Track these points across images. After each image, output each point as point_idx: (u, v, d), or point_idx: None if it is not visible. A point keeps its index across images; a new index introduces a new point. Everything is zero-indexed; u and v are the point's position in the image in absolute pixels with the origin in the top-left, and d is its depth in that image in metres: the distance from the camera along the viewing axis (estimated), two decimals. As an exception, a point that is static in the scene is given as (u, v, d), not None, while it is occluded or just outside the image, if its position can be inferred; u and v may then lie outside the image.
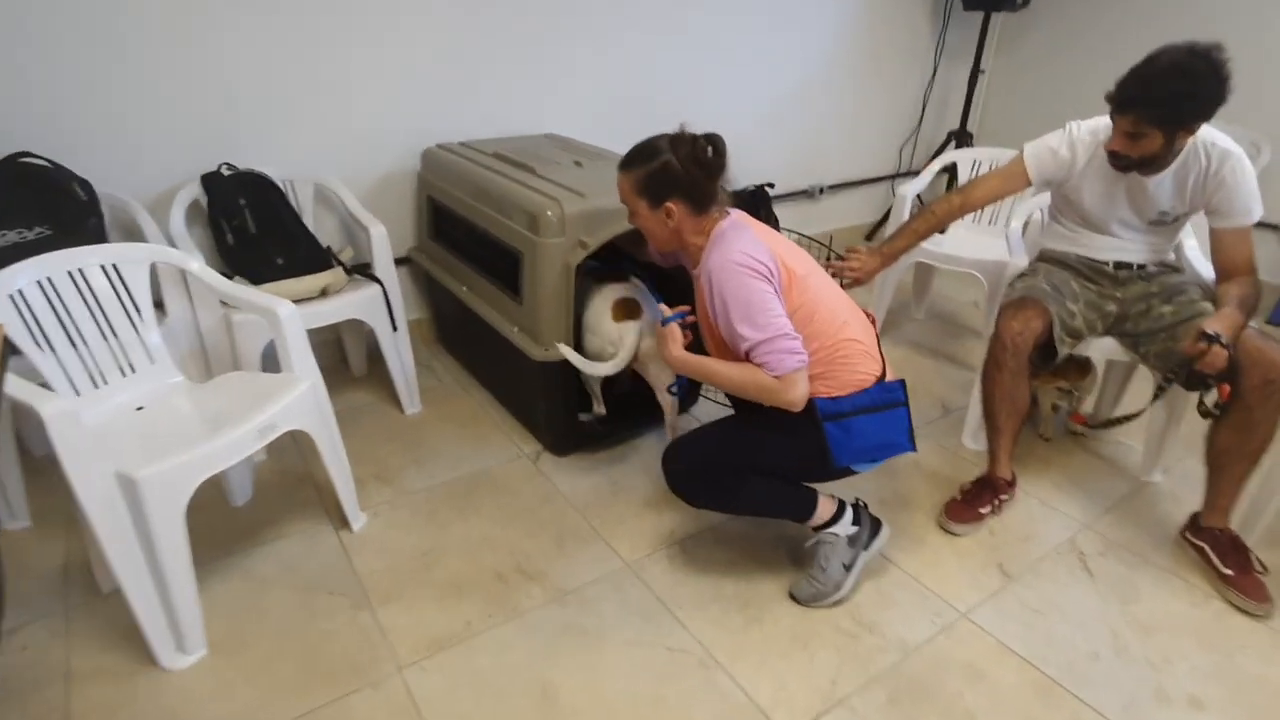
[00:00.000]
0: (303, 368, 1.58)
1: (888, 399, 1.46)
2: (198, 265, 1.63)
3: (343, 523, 1.77)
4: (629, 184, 1.46)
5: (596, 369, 1.83)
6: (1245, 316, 1.63)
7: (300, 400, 1.53)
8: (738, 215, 1.49)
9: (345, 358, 2.45)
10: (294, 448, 2.04)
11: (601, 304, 1.87)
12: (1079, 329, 1.81)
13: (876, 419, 1.44)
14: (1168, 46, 1.57)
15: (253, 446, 1.44)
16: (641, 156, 1.43)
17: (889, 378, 1.50)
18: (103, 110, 1.89)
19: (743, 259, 1.35)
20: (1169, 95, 1.54)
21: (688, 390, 1.77)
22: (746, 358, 1.37)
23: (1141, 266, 1.87)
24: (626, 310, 1.86)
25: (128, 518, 1.28)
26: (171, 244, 1.90)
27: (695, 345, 1.53)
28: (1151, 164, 1.68)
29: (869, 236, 3.90)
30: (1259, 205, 1.68)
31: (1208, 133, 1.66)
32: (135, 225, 1.88)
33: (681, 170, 1.39)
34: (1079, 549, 1.81)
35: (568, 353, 1.81)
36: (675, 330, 1.50)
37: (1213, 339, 1.53)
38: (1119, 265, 1.88)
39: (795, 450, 1.45)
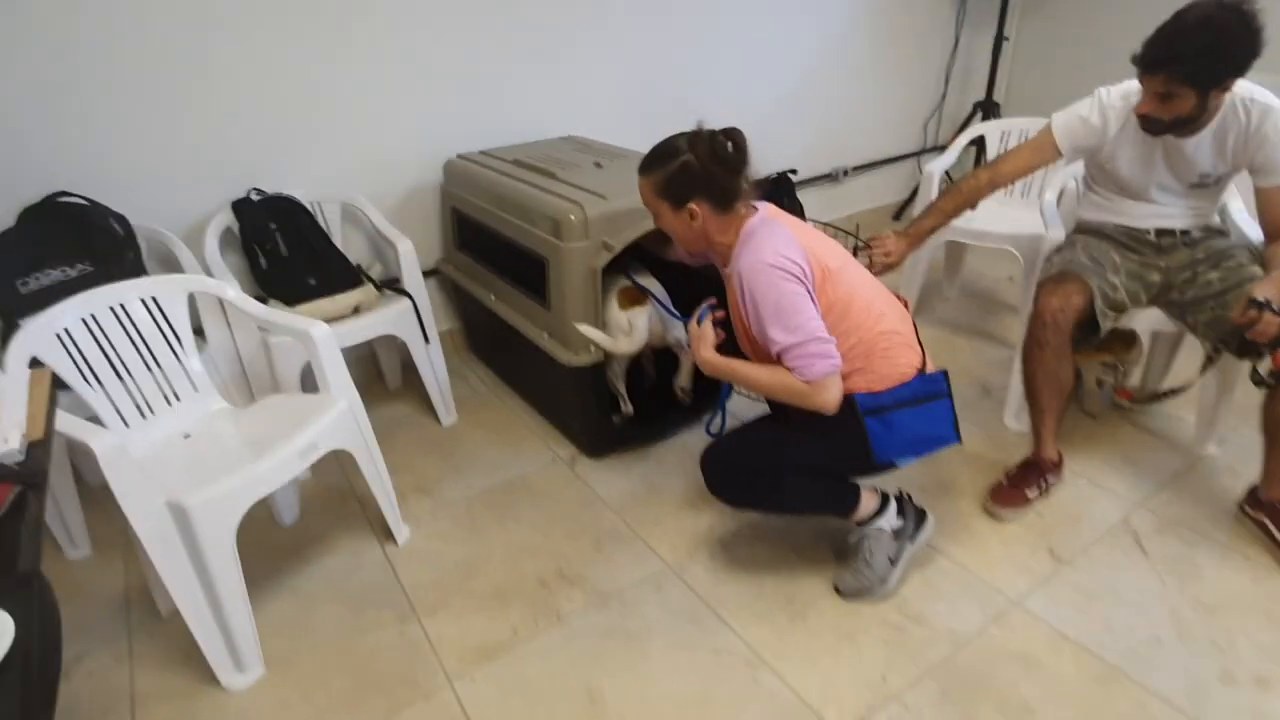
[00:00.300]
0: (339, 387, 1.61)
1: (930, 391, 1.43)
2: (233, 292, 1.66)
3: (387, 536, 1.80)
4: (650, 187, 1.43)
5: (617, 345, 1.84)
6: (1297, 279, 1.56)
7: (339, 420, 1.56)
8: (767, 210, 1.45)
9: (380, 372, 2.49)
10: (336, 465, 2.08)
11: (607, 298, 1.88)
12: (1122, 301, 1.75)
13: (919, 412, 1.41)
14: (1196, 1, 1.50)
15: (296, 468, 1.47)
16: (660, 158, 1.41)
17: (929, 369, 1.46)
18: (134, 146, 1.94)
19: (774, 259, 1.32)
20: (1199, 51, 1.48)
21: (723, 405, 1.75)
22: (778, 360, 1.36)
23: (1185, 232, 1.81)
24: (632, 297, 1.87)
25: (181, 544, 1.32)
26: (208, 271, 1.95)
27: (729, 343, 1.52)
28: (1186, 125, 1.62)
29: (896, 216, 3.83)
30: (1306, 161, 1.61)
31: (1245, 88, 1.59)
32: (172, 256, 1.93)
33: (701, 169, 1.36)
34: (1133, 528, 1.76)
35: (588, 331, 1.81)
36: (708, 330, 1.48)
37: (1263, 306, 1.47)
38: (1161, 232, 1.81)
39: (835, 447, 1.43)
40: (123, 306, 1.54)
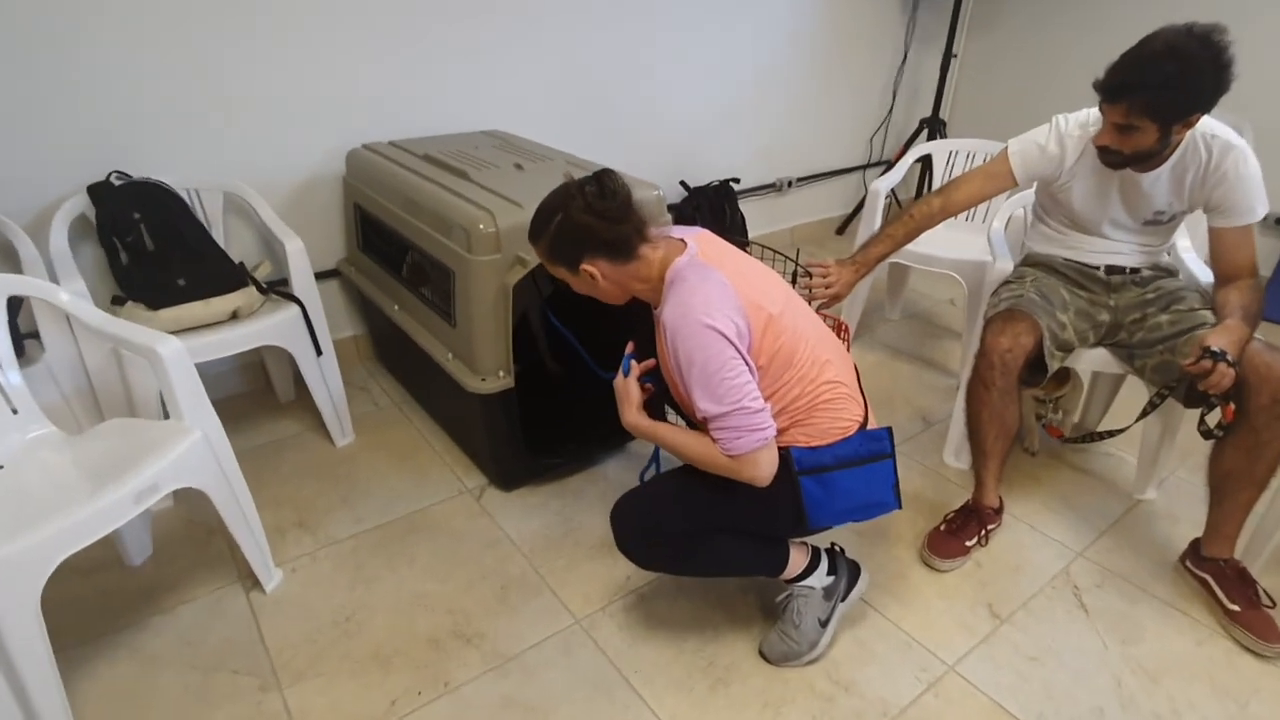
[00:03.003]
0: (194, 414, 1.36)
1: (873, 450, 1.27)
2: (67, 296, 1.40)
3: (255, 583, 1.56)
4: (542, 254, 1.26)
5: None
6: (1250, 328, 1.48)
7: (189, 453, 1.32)
8: (699, 244, 1.25)
9: (270, 382, 2.23)
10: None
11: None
12: (1070, 341, 1.65)
13: (860, 474, 1.26)
14: (1164, 28, 1.40)
15: (128, 514, 1.22)
16: (539, 222, 1.23)
17: (871, 424, 1.31)
18: (-38, 114, 1.64)
19: (703, 314, 1.13)
20: (1164, 82, 1.37)
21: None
22: (704, 427, 1.18)
23: (1135, 270, 1.72)
24: None
25: (-37, 613, 1.07)
26: (52, 266, 1.66)
27: (661, 394, 1.34)
28: (1146, 159, 1.52)
29: (840, 230, 3.74)
30: (1264, 203, 1.53)
31: (1207, 124, 1.50)
32: (11, 246, 1.64)
33: (579, 225, 1.18)
34: (1074, 582, 1.66)
35: None
36: (633, 389, 1.29)
37: (1217, 356, 1.38)
38: (1111, 269, 1.72)
39: (765, 508, 1.26)
40: (-86, 312, 1.26)
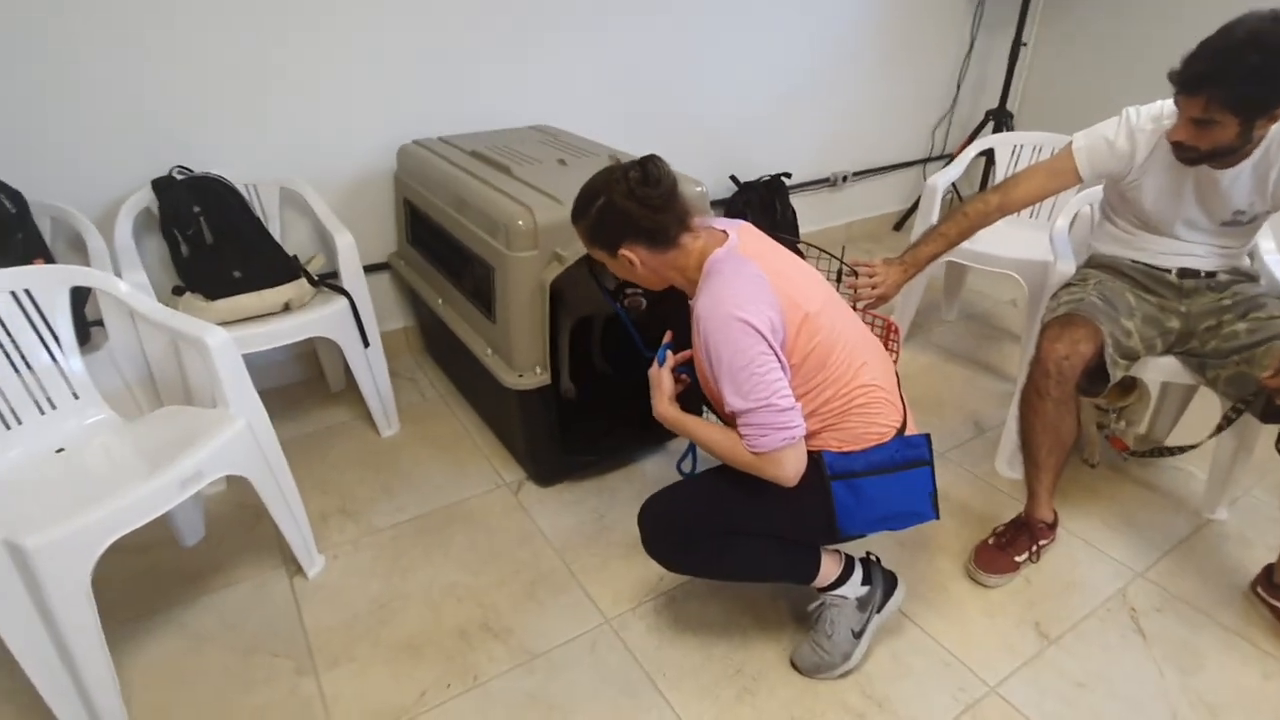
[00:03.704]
0: (239, 403, 1.41)
1: (909, 457, 1.22)
2: (125, 287, 1.46)
3: (298, 567, 1.61)
4: (582, 236, 1.26)
5: None
6: (1339, 339, 1.36)
7: (233, 442, 1.36)
8: (739, 235, 1.23)
9: (323, 371, 2.29)
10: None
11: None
12: (1135, 349, 1.56)
13: (894, 481, 1.21)
14: (1247, 14, 1.29)
15: (174, 499, 1.27)
16: (581, 205, 1.22)
17: (910, 429, 1.26)
18: (37, 110, 1.72)
19: (735, 308, 1.11)
20: (1246, 74, 1.27)
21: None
22: (731, 422, 1.16)
23: (1210, 274, 1.61)
24: None
25: (22, 590, 1.13)
26: (116, 258, 1.74)
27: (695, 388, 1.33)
28: (1225, 156, 1.42)
29: (897, 226, 3.62)
30: (1357, 203, 1.41)
31: (1297, 116, 1.38)
32: (81, 238, 1.73)
33: (621, 210, 1.17)
34: (1130, 604, 1.57)
35: None
36: (666, 379, 1.28)
37: (1301, 369, 1.27)
38: (1184, 273, 1.61)
39: (794, 513, 1.23)
40: (-13, 300, 1.33)
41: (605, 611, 1.54)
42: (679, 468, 1.60)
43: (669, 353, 1.33)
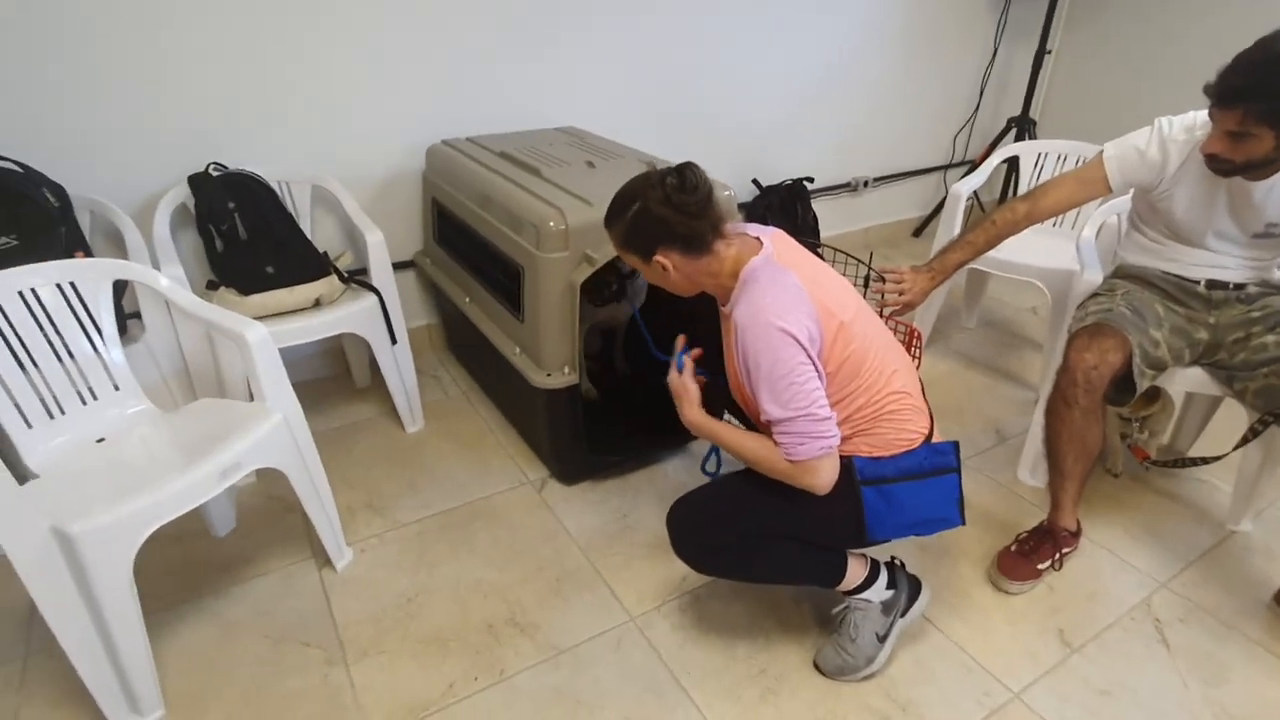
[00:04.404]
0: (276, 397, 1.43)
1: (938, 464, 1.24)
2: (166, 281, 1.49)
3: (326, 560, 1.64)
4: (616, 241, 1.26)
5: None
6: (1372, 353, 1.36)
7: (270, 435, 1.39)
8: (774, 243, 1.24)
9: (349, 367, 2.32)
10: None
11: None
12: (1163, 359, 1.56)
13: (923, 487, 1.23)
14: (1284, 27, 1.29)
15: (213, 490, 1.29)
16: (617, 210, 1.23)
17: (935, 437, 1.27)
18: (79, 107, 1.76)
19: (776, 317, 1.12)
20: None
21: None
22: (767, 430, 1.17)
23: (1240, 286, 1.60)
24: None
25: (67, 574, 1.15)
26: (154, 252, 1.77)
27: (710, 388, 1.34)
28: (1260, 168, 1.42)
29: (917, 233, 3.62)
30: (1392, 218, 1.40)
31: (1332, 130, 1.38)
32: (119, 232, 1.76)
33: (657, 216, 1.17)
34: (1155, 614, 1.57)
35: None
36: (690, 385, 1.30)
37: (1332, 383, 1.27)
38: (1212, 284, 1.61)
39: (824, 517, 1.24)
40: (34, 291, 1.36)
41: (630, 610, 1.55)
42: (703, 469, 1.62)
43: (685, 358, 1.35)
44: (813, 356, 1.13)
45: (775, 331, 1.11)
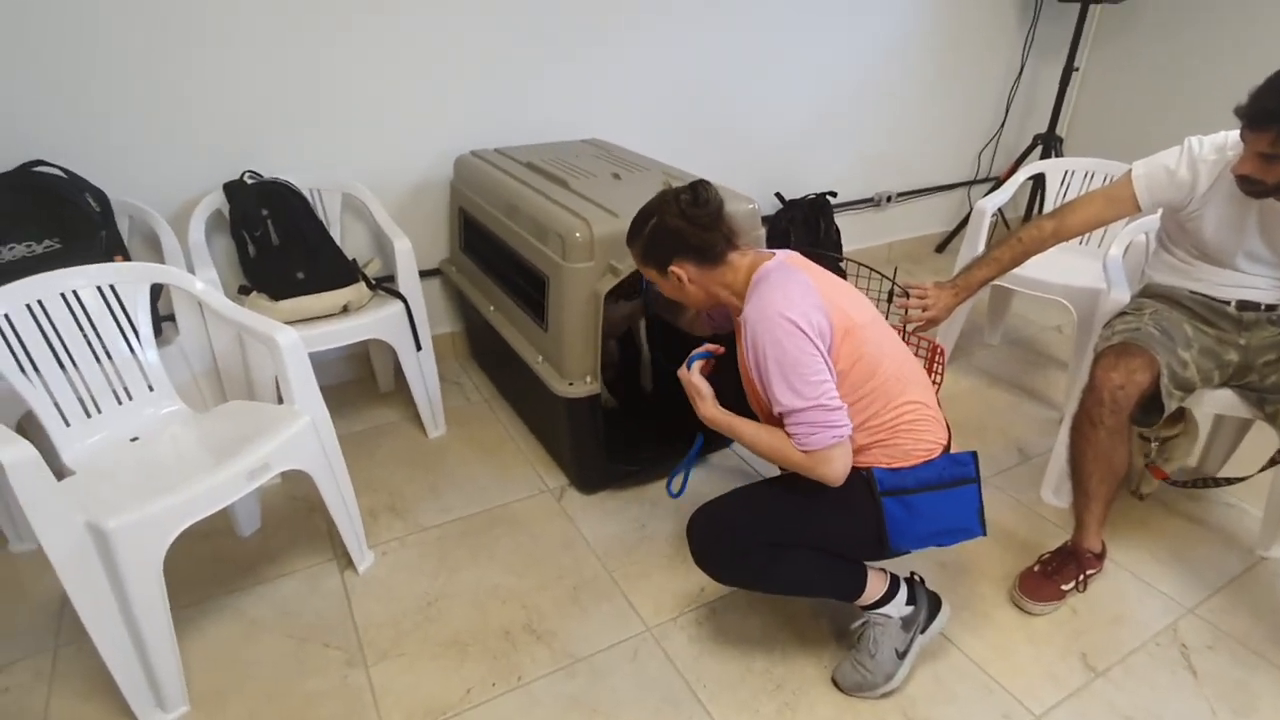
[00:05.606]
0: (305, 400, 1.46)
1: (957, 474, 1.24)
2: (202, 285, 1.52)
3: (348, 562, 1.66)
4: (636, 258, 1.36)
5: None
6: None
7: (298, 437, 1.41)
8: (787, 255, 1.30)
9: (373, 372, 2.35)
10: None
11: None
12: (1191, 381, 1.54)
13: (944, 497, 1.23)
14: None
15: (242, 489, 1.32)
16: (636, 226, 1.33)
17: (953, 449, 1.27)
18: (121, 116, 1.81)
19: (785, 308, 1.16)
20: None
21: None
22: (779, 422, 1.19)
23: (1271, 307, 1.58)
24: None
25: (100, 569, 1.18)
26: (189, 256, 1.82)
27: (720, 390, 1.35)
28: (1292, 189, 1.40)
29: (940, 248, 3.61)
30: None
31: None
32: (156, 236, 1.81)
33: (672, 229, 1.26)
34: (1181, 640, 1.54)
35: None
36: (701, 381, 1.33)
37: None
38: (1243, 305, 1.59)
39: (846, 528, 1.24)
40: (75, 293, 1.40)
41: (646, 620, 1.56)
42: (669, 489, 1.64)
43: (700, 361, 1.37)
44: (821, 349, 1.16)
45: (783, 322, 1.15)
